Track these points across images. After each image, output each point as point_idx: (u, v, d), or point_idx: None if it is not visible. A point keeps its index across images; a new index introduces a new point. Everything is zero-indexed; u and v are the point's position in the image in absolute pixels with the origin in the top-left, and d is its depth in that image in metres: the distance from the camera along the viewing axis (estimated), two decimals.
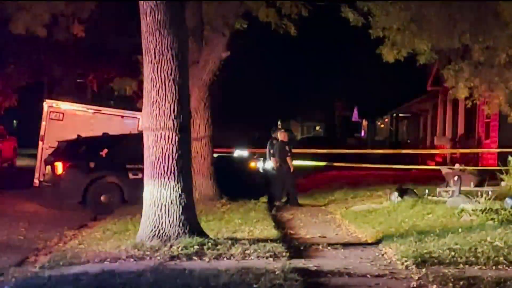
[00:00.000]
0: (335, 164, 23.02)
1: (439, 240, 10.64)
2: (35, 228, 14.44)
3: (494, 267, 9.26)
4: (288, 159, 18.14)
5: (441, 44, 17.89)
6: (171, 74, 10.70)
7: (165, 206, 10.55)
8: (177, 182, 10.58)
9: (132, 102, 26.23)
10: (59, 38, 23.11)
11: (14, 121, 53.82)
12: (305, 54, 52.01)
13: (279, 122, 18.92)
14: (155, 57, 10.72)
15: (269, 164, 18.61)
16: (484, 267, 9.26)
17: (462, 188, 16.27)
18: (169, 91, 10.68)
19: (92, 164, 17.95)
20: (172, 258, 9.63)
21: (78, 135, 19.49)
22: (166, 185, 10.56)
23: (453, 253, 9.75)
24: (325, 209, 17.41)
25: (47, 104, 22.10)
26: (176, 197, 10.57)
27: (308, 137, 64.75)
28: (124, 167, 17.72)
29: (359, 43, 25.60)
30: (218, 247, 10.13)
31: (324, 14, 19.72)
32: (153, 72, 10.74)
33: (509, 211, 12.99)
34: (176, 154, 10.64)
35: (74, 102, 23.62)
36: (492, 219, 12.53)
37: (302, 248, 11.05)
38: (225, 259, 9.70)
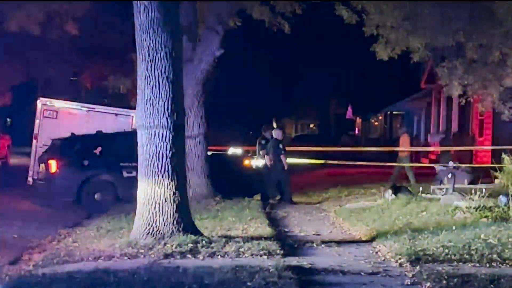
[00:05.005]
0: (329, 162, 22.98)
1: (433, 237, 10.66)
2: (29, 226, 14.41)
3: (488, 265, 9.28)
4: (282, 157, 18.14)
5: (435, 42, 17.92)
6: (165, 72, 10.70)
7: (159, 204, 10.55)
8: (171, 180, 10.59)
9: (126, 100, 26.21)
10: (53, 36, 23.10)
11: (8, 119, 53.74)
12: (299, 52, 52.05)
13: (273, 120, 18.86)
14: (149, 55, 10.72)
15: (260, 162, 18.61)
16: (478, 265, 9.27)
17: (456, 186, 16.29)
18: (163, 89, 10.68)
19: (86, 162, 17.93)
20: (166, 256, 9.63)
21: (72, 133, 19.45)
22: (160, 183, 10.56)
23: (447, 251, 9.78)
24: (319, 207, 17.40)
25: (41, 102, 22.02)
26: (170, 195, 10.57)
27: (302, 135, 64.76)
28: (118, 165, 17.71)
29: (353, 41, 25.63)
30: (212, 245, 10.14)
31: (318, 12, 19.75)
32: (147, 70, 10.74)
33: (503, 209, 13.01)
34: (170, 152, 10.64)
35: (68, 100, 23.57)
36: (486, 216, 12.55)
37: (296, 246, 11.05)
38: (219, 257, 9.70)
